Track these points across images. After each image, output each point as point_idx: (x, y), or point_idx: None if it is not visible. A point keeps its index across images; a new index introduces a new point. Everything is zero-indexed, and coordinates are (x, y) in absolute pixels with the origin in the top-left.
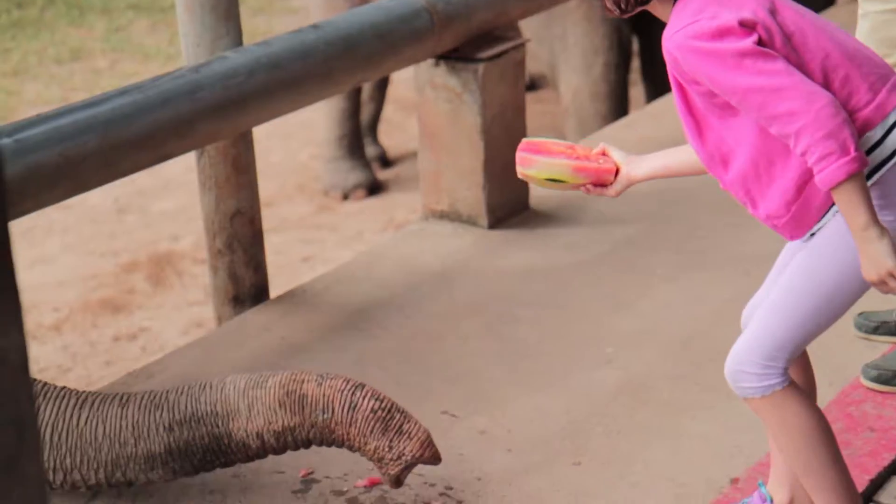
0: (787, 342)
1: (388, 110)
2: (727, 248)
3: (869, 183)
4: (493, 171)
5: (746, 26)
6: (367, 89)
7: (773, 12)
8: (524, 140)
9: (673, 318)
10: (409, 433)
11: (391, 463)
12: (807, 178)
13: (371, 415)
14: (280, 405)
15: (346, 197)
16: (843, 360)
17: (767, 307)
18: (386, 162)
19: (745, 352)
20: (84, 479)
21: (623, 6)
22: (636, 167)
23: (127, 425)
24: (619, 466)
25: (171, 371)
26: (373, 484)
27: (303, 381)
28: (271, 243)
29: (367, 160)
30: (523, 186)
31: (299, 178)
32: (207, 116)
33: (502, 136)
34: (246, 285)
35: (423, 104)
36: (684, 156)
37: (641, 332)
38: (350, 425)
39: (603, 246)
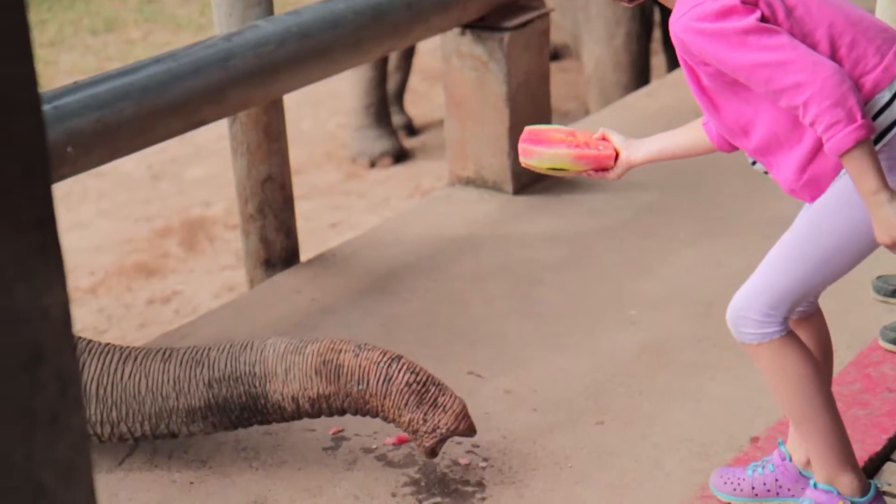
0: (789, 293)
1: (414, 80)
2: (749, 214)
3: (878, 146)
4: (518, 137)
5: (748, 4)
6: (393, 59)
7: None
8: (526, 129)
9: (695, 282)
10: (444, 406)
11: (426, 435)
12: (819, 144)
13: (406, 388)
14: (316, 373)
15: (373, 164)
16: (861, 322)
17: (773, 256)
18: (412, 130)
19: (748, 299)
20: (130, 431)
21: None
22: (634, 151)
23: (168, 380)
24: (641, 426)
25: (205, 332)
26: (401, 442)
27: (340, 351)
28: (301, 209)
29: (393, 128)
30: None
31: (328, 146)
32: (239, 84)
33: (527, 103)
34: (277, 249)
35: (450, 73)
36: (681, 139)
37: (663, 295)
38: (385, 397)
39: (625, 212)
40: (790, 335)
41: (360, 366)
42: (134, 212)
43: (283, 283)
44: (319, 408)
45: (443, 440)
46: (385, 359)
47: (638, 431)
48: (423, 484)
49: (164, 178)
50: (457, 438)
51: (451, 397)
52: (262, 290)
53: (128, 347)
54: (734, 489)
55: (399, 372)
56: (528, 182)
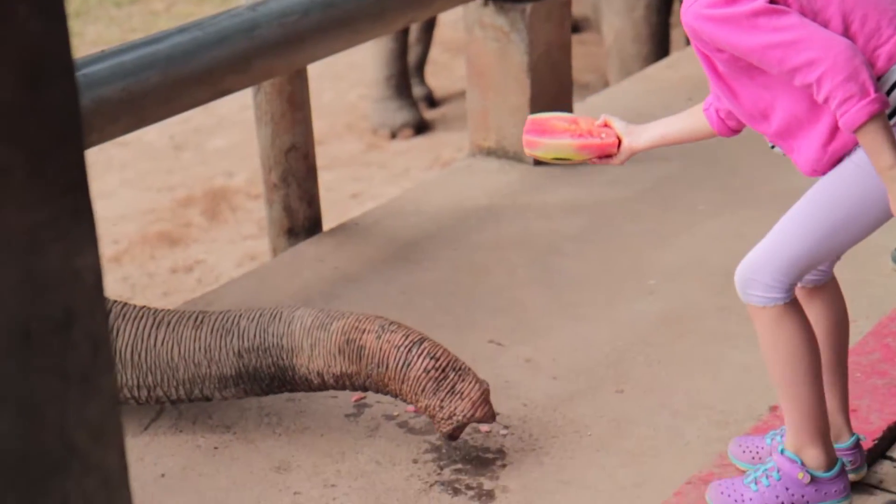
0: (799, 260)
1: (435, 52)
2: (769, 184)
3: (893, 121)
4: (539, 108)
5: None
6: (414, 31)
7: None
8: (529, 119)
9: (715, 252)
10: (462, 393)
11: (442, 422)
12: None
13: (423, 374)
14: (339, 351)
15: (393, 136)
16: (880, 293)
17: (786, 222)
18: (432, 102)
19: (758, 262)
20: (166, 395)
21: None
22: (637, 138)
23: (199, 348)
24: (660, 394)
25: (229, 300)
26: None
27: (364, 331)
28: (322, 180)
29: (414, 100)
30: None
31: (349, 118)
32: (264, 53)
33: (548, 74)
34: (300, 218)
35: (472, 43)
36: (682, 125)
37: (683, 265)
38: (402, 382)
39: (645, 182)
40: (794, 304)
41: (380, 349)
42: (157, 181)
43: (305, 251)
44: (343, 384)
45: (460, 427)
46: (406, 343)
47: (657, 400)
48: (443, 451)
49: (186, 149)
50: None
51: (470, 384)
52: (285, 258)
53: (160, 311)
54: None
55: (418, 357)
56: None
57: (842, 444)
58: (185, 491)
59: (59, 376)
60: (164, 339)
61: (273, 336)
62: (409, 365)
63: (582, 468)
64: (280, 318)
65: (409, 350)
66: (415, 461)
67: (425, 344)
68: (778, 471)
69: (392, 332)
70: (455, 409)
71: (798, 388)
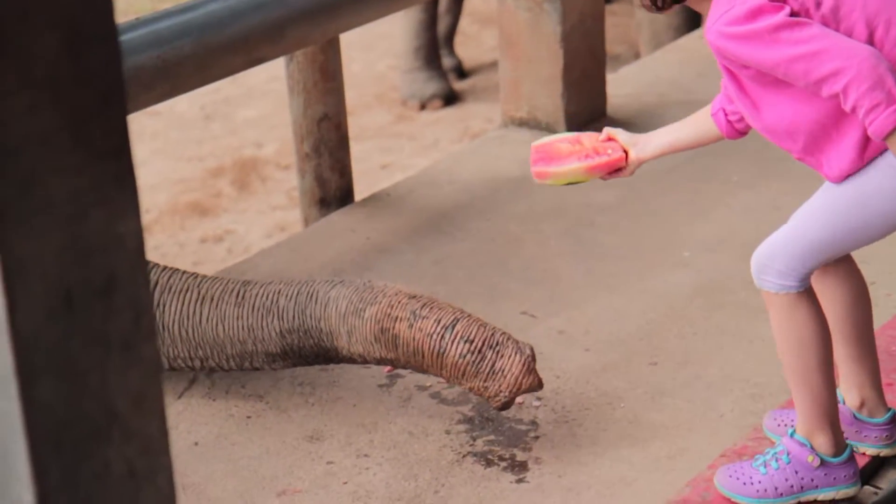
0: (817, 252)
1: (464, 22)
2: None
3: None
4: (572, 78)
5: (776, 1)
6: (444, 1)
7: None
8: (532, 148)
9: (749, 225)
10: (503, 371)
11: (491, 399)
12: None
13: (460, 360)
14: (375, 339)
15: (423, 107)
16: None
17: (809, 213)
18: (462, 73)
19: (776, 248)
20: (219, 366)
21: (659, 4)
22: (643, 148)
23: (243, 327)
24: (694, 367)
25: (261, 269)
26: None
27: (396, 319)
28: (351, 151)
29: (443, 71)
30: (601, 94)
31: (378, 89)
32: (297, 22)
33: (581, 44)
34: (332, 188)
35: (504, 13)
36: (690, 131)
37: (718, 237)
38: (441, 369)
39: (679, 154)
40: (808, 292)
41: (413, 338)
42: (187, 151)
43: (337, 221)
44: (387, 364)
45: (510, 400)
46: (438, 329)
47: (691, 372)
48: (476, 422)
49: (216, 119)
50: None
51: (510, 358)
52: (316, 228)
53: (204, 282)
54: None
55: (452, 343)
56: (582, 122)
57: (877, 419)
58: (218, 459)
59: (100, 343)
60: (208, 316)
61: (311, 318)
62: (443, 353)
63: (615, 440)
64: (316, 300)
65: (442, 337)
66: (447, 432)
67: (458, 327)
68: (787, 454)
69: (423, 318)
70: (500, 387)
71: (808, 375)
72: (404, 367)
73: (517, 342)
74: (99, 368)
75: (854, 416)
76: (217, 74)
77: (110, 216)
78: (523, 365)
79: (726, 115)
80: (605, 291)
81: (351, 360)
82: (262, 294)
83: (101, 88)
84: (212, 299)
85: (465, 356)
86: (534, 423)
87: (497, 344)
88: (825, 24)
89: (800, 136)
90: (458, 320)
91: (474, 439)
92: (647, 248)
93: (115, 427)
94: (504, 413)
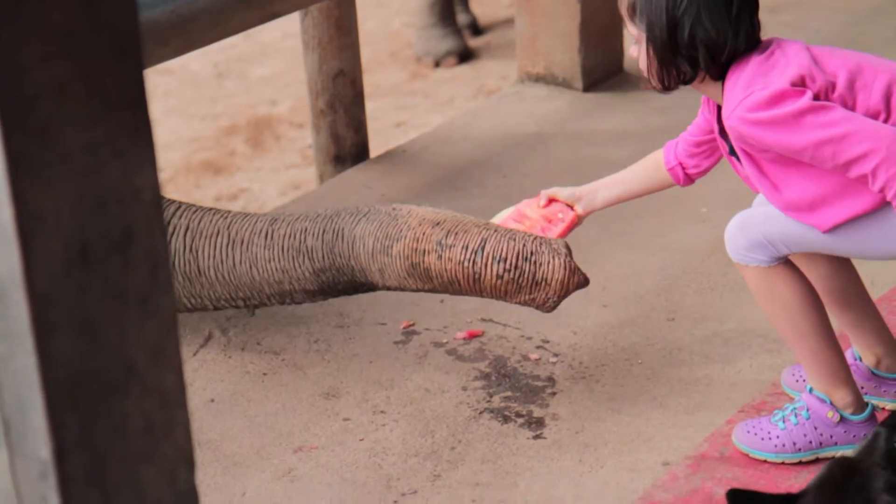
0: (801, 245)
1: None
2: None
3: None
4: (589, 34)
5: (798, 85)
6: None
7: (815, 61)
8: None
9: None
10: (546, 279)
11: (541, 308)
12: (878, 203)
13: (498, 281)
14: (408, 275)
15: (437, 64)
16: None
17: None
18: (477, 30)
19: (755, 222)
20: (263, 303)
21: (667, 84)
22: (591, 201)
23: (276, 269)
24: (712, 323)
25: None
26: (472, 336)
27: (424, 253)
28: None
29: (458, 28)
30: (618, 50)
31: (392, 46)
32: None
33: None
34: (347, 145)
35: None
36: (639, 182)
37: (737, 192)
38: (481, 292)
39: (695, 109)
40: (782, 264)
41: (445, 269)
42: (201, 110)
43: (353, 178)
44: (427, 292)
45: (559, 303)
46: (468, 256)
47: (709, 328)
48: (493, 378)
49: (230, 77)
50: (527, 334)
51: (549, 265)
52: (332, 185)
53: (233, 224)
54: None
55: (485, 267)
56: (598, 79)
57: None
58: (234, 416)
59: (117, 296)
60: (240, 259)
61: (341, 257)
62: (479, 277)
63: (632, 396)
64: (343, 238)
65: (473, 262)
66: (464, 388)
67: (487, 248)
68: (807, 409)
69: (450, 247)
70: (547, 294)
71: (805, 339)
72: (445, 293)
73: (550, 243)
74: (116, 322)
75: (871, 371)
76: (232, 29)
77: (127, 168)
78: (564, 268)
79: (684, 168)
80: (623, 248)
81: (389, 290)
82: (290, 234)
83: (117, 39)
84: (241, 242)
85: (501, 276)
86: (551, 379)
87: (531, 254)
88: (843, 101)
89: (821, 211)
90: (485, 241)
91: (491, 396)
92: (664, 203)
93: (133, 381)
94: (521, 369)
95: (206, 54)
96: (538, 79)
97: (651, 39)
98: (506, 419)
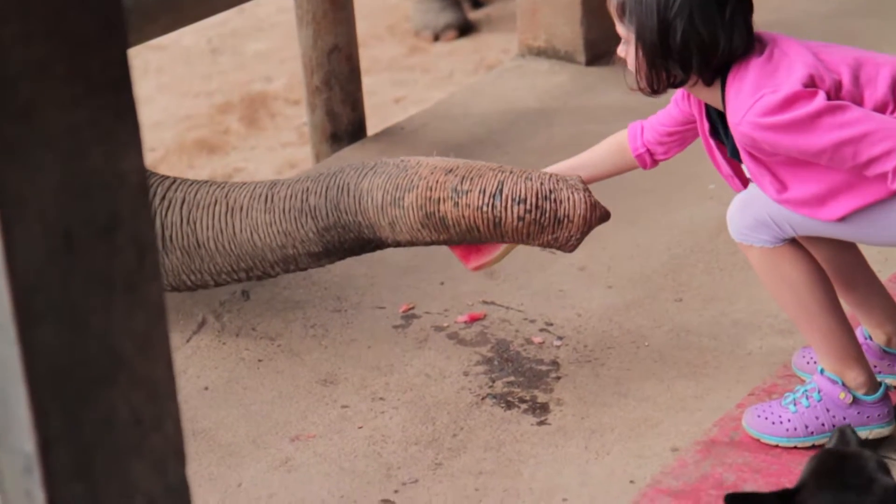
0: (799, 228)
1: None
2: None
3: None
4: (592, 5)
5: (809, 85)
6: None
7: (819, 59)
8: (450, 248)
9: None
10: (568, 216)
11: (563, 247)
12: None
13: (520, 223)
14: (422, 226)
15: (436, 38)
16: None
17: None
18: (477, 2)
19: (757, 203)
20: (266, 273)
21: (655, 87)
22: None
23: (278, 233)
24: (720, 303)
25: None
26: (473, 320)
27: (439, 201)
28: (363, 84)
29: (457, 0)
30: None
31: (389, 19)
32: None
33: None
34: (343, 122)
35: None
36: (603, 165)
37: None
38: (503, 237)
39: None
40: (787, 244)
41: (463, 216)
42: (194, 87)
43: (350, 157)
44: (441, 244)
45: (581, 241)
46: (486, 200)
47: (718, 309)
48: (495, 363)
49: (224, 52)
50: (531, 316)
51: (569, 201)
52: (328, 164)
53: (231, 192)
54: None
55: (505, 209)
56: (602, 52)
57: None
58: (229, 404)
59: (102, 284)
60: (241, 226)
61: (347, 213)
62: (500, 221)
63: (639, 380)
64: (348, 192)
65: (493, 206)
66: (465, 374)
67: (505, 190)
68: (818, 391)
69: (467, 192)
70: (570, 232)
71: (813, 319)
72: (461, 243)
73: (566, 180)
74: (102, 310)
75: (883, 350)
76: (224, 4)
77: (111, 152)
78: (584, 202)
79: (652, 154)
80: (628, 226)
81: (398, 245)
82: (291, 195)
83: (100, 17)
84: (241, 209)
85: (522, 217)
86: (555, 363)
87: (550, 192)
88: (852, 98)
89: (831, 205)
90: (502, 183)
91: (493, 381)
92: (670, 180)
93: (120, 372)
94: (524, 353)
95: (200, 29)
96: (539, 52)
97: (641, 41)
98: (509, 405)
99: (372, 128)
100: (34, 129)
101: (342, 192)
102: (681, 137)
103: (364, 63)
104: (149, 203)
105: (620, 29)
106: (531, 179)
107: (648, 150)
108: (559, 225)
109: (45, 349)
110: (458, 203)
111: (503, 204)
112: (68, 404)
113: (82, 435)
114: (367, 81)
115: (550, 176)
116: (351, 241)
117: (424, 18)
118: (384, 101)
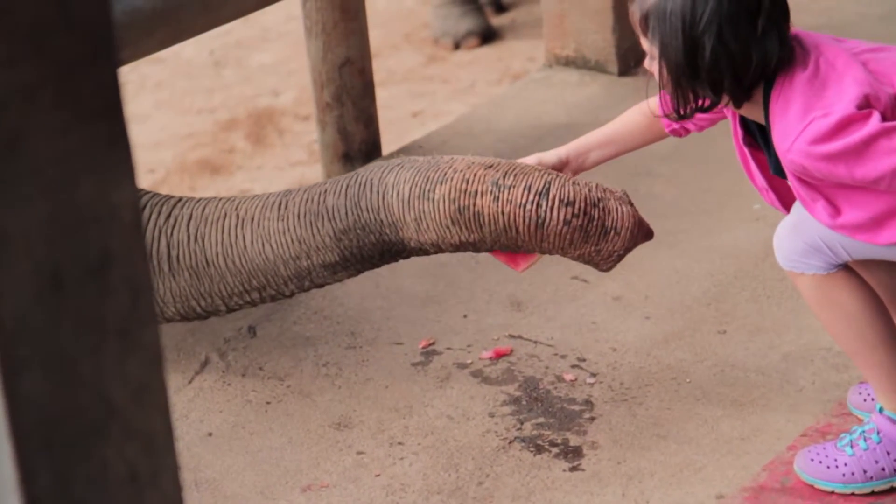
0: (861, 254)
1: None
2: None
3: None
4: (624, 10)
5: (863, 106)
6: None
7: (869, 70)
8: (496, 257)
9: None
10: (616, 228)
11: (602, 262)
12: None
13: (565, 227)
14: (453, 222)
15: (457, 45)
16: None
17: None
18: (500, 6)
19: (808, 226)
20: (279, 292)
21: (683, 111)
22: (580, 165)
23: (292, 240)
24: (768, 335)
25: None
26: (499, 356)
27: (476, 195)
28: (378, 97)
29: (479, 4)
30: None
31: (406, 26)
32: None
33: None
34: (356, 141)
35: None
36: (632, 139)
37: None
38: (542, 242)
39: None
40: (841, 271)
41: (503, 212)
42: (196, 103)
43: None
44: (467, 249)
45: (621, 259)
46: (531, 198)
47: (765, 341)
48: (523, 402)
49: (228, 65)
50: (561, 352)
51: (618, 212)
52: None
53: (242, 204)
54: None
55: (551, 211)
56: (636, 61)
57: None
58: (234, 451)
59: (94, 328)
60: (252, 238)
61: (368, 211)
62: (543, 223)
63: (680, 420)
64: (371, 188)
65: (538, 206)
66: (491, 415)
67: (552, 190)
68: (878, 432)
69: (510, 188)
70: (615, 245)
71: (871, 352)
72: (488, 249)
73: (612, 191)
74: (93, 357)
75: None
76: (225, 16)
77: (102, 184)
78: (633, 217)
79: (686, 129)
80: (666, 251)
81: (420, 251)
82: (306, 199)
83: (90, 39)
84: (252, 220)
85: (569, 222)
86: (588, 402)
87: (599, 200)
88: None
89: (888, 225)
90: (549, 183)
91: (522, 422)
92: (711, 200)
93: (113, 423)
94: (554, 392)
95: (201, 41)
96: (568, 62)
97: (665, 60)
98: (539, 449)
99: (387, 145)
100: (19, 159)
101: (364, 189)
102: (710, 120)
103: (379, 75)
104: (143, 239)
105: (644, 44)
106: (578, 184)
107: (683, 126)
108: (605, 236)
109: (32, 399)
110: (498, 198)
111: (549, 204)
112: (57, 460)
113: (73, 493)
114: (381, 95)
115: (597, 184)
116: (370, 245)
117: (444, 25)
118: (401, 115)
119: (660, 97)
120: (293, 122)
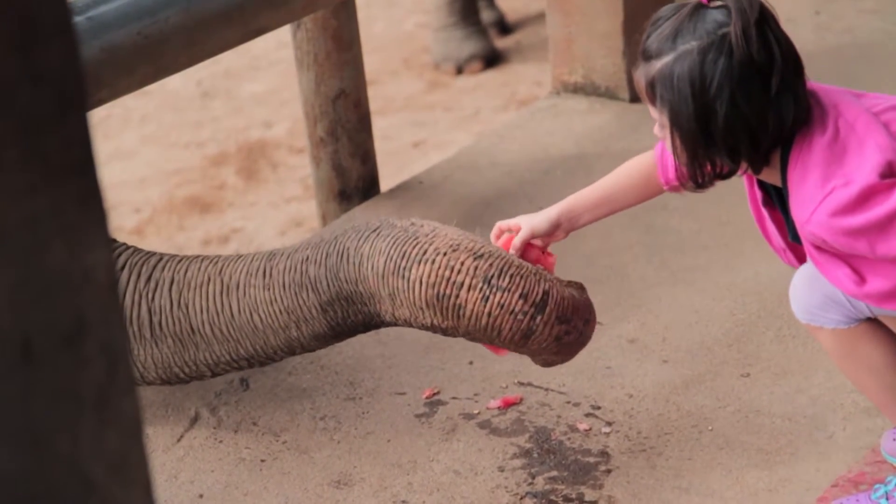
0: (873, 307)
1: None
2: None
3: None
4: (635, 34)
5: (886, 175)
6: None
7: (891, 131)
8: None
9: None
10: (582, 341)
11: (539, 361)
12: None
13: (553, 342)
14: (427, 306)
15: (460, 70)
16: None
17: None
18: (505, 28)
19: (824, 279)
20: (270, 358)
21: (700, 181)
22: (571, 226)
23: (280, 311)
24: (795, 378)
25: None
26: (508, 405)
27: (461, 287)
28: (377, 127)
29: (483, 26)
30: None
31: (405, 52)
32: None
33: None
34: (353, 178)
35: None
36: (626, 197)
37: None
38: (520, 348)
39: None
40: (863, 325)
41: (489, 314)
42: (183, 136)
43: (361, 217)
44: (437, 332)
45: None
46: (526, 309)
47: (792, 384)
48: (535, 455)
49: (217, 96)
50: (574, 399)
51: (591, 324)
52: (336, 227)
53: (225, 268)
54: None
55: (545, 326)
56: None
57: None
58: None
59: (68, 400)
60: (239, 308)
61: (346, 283)
62: (531, 335)
63: (703, 471)
64: (347, 259)
65: (532, 319)
66: (501, 469)
67: (549, 304)
68: None
69: (504, 291)
70: (568, 358)
71: None
72: (455, 336)
73: (583, 293)
74: (68, 431)
75: None
76: (210, 51)
77: (74, 245)
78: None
79: (685, 187)
80: (684, 289)
81: (395, 324)
82: (290, 267)
83: (58, 91)
84: (237, 287)
85: (560, 339)
86: (604, 453)
87: (589, 314)
88: None
89: None
90: (547, 294)
91: (533, 477)
92: (731, 234)
93: (91, 501)
94: (568, 443)
95: (188, 71)
96: (576, 89)
97: (677, 129)
98: None
99: (386, 179)
100: None
101: (342, 259)
102: None
103: (376, 103)
104: (119, 302)
105: (653, 112)
106: (570, 298)
107: (682, 184)
108: (570, 349)
109: (4, 478)
110: (488, 299)
111: (545, 319)
112: None
113: None
114: (380, 124)
115: (579, 288)
116: (354, 316)
117: (445, 49)
118: (400, 146)
119: (666, 160)
120: (287, 154)
